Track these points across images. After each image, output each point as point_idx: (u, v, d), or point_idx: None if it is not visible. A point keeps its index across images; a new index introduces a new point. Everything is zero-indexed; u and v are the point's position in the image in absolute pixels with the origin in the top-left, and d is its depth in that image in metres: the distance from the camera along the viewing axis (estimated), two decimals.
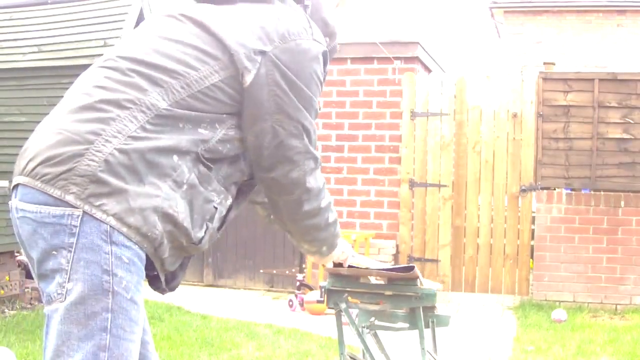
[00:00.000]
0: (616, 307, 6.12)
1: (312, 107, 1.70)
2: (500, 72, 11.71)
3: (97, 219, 1.46)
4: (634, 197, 6.20)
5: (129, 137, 1.50)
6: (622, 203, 6.18)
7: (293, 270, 6.58)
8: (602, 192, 6.29)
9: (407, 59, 6.82)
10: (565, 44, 14.72)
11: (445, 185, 6.74)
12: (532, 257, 6.51)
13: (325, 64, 1.75)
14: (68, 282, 1.47)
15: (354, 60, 6.89)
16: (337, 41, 1.92)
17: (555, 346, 4.77)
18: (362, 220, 6.87)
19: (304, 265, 6.32)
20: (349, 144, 6.92)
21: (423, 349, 2.14)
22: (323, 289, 2.22)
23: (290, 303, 6.01)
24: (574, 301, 6.19)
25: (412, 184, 6.76)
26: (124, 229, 1.48)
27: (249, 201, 2.07)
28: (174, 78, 1.57)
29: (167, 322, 5.14)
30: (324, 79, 1.77)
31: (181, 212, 1.55)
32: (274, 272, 6.86)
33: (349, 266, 2.12)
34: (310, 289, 6.09)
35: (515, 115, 6.58)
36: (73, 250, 1.47)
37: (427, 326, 2.17)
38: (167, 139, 1.54)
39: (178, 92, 1.57)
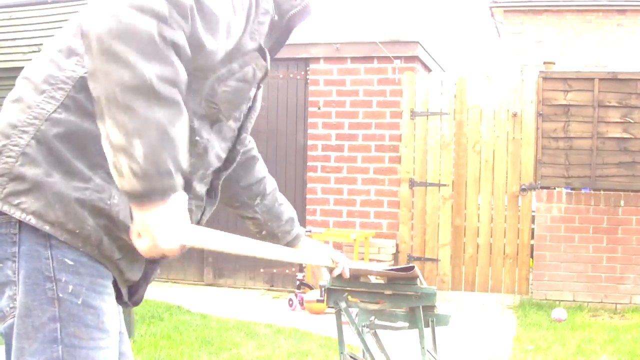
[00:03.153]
0: (616, 307, 6.12)
1: None
2: (500, 72, 11.71)
3: (25, 221, 1.34)
4: (634, 196, 6.20)
5: (46, 120, 1.36)
6: (622, 202, 6.18)
7: (293, 269, 6.58)
8: (602, 192, 6.29)
9: (407, 59, 6.82)
10: (565, 43, 14.73)
11: (445, 185, 6.74)
12: (532, 256, 6.51)
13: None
14: (18, 294, 1.36)
15: (354, 59, 6.89)
16: (307, 1, 1.65)
17: (555, 345, 4.77)
18: (362, 220, 6.87)
19: (303, 265, 6.31)
20: (349, 144, 6.92)
21: (423, 348, 2.14)
22: (323, 288, 2.22)
23: (290, 302, 6.01)
24: (573, 300, 6.20)
25: (412, 184, 6.76)
26: (47, 227, 1.34)
27: (240, 216, 1.99)
28: None
29: (167, 322, 5.15)
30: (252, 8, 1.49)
31: (116, 204, 1.38)
32: (274, 271, 6.86)
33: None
34: (310, 288, 6.10)
35: (515, 115, 6.58)
36: (17, 259, 1.36)
37: (427, 325, 2.17)
38: (93, 122, 1.32)
39: None
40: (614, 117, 6.29)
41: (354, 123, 6.91)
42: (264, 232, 1.98)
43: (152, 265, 1.57)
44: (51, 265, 1.36)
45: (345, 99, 6.92)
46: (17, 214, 1.34)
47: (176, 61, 1.23)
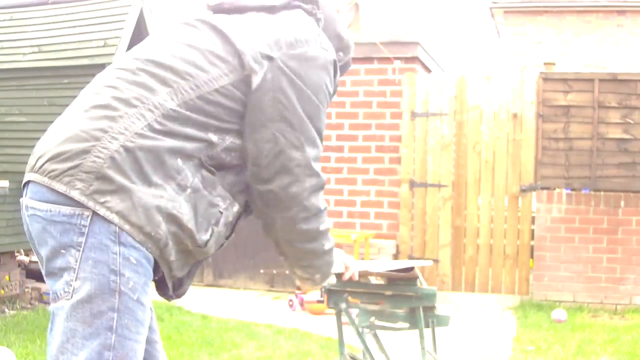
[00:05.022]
0: (616, 307, 6.12)
1: (319, 118, 1.65)
2: (501, 73, 11.70)
3: (103, 218, 1.47)
4: (634, 197, 6.20)
5: (135, 134, 1.50)
6: (622, 203, 6.18)
7: None
8: (602, 192, 6.29)
9: (407, 59, 6.82)
10: (565, 44, 14.73)
11: (445, 186, 6.74)
12: (532, 257, 6.51)
13: (335, 75, 1.72)
14: (75, 280, 1.48)
15: (354, 60, 6.78)
16: (350, 56, 1.87)
17: (555, 346, 4.77)
18: (362, 220, 6.87)
19: None
20: (349, 144, 6.92)
21: (423, 348, 2.14)
22: (323, 289, 2.22)
23: (291, 303, 6.01)
24: (574, 301, 6.20)
25: (412, 184, 6.76)
26: (127, 227, 1.48)
27: (255, 217, 2.07)
28: (183, 79, 1.57)
29: (167, 322, 5.15)
30: (334, 91, 1.74)
31: (185, 213, 1.54)
32: (274, 272, 6.86)
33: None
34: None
35: (515, 116, 6.58)
36: (82, 249, 1.47)
37: (427, 326, 2.17)
38: (172, 141, 1.53)
39: (187, 92, 1.56)
40: (614, 118, 6.29)
41: (354, 124, 6.91)
42: (267, 235, 2.02)
43: (197, 263, 1.72)
44: (117, 260, 1.48)
45: (345, 99, 6.92)
46: (102, 212, 1.47)
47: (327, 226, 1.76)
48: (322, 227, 1.71)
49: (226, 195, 1.63)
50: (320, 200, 1.69)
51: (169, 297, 1.73)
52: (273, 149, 1.60)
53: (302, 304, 5.93)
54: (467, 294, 6.67)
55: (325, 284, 1.97)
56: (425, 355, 2.15)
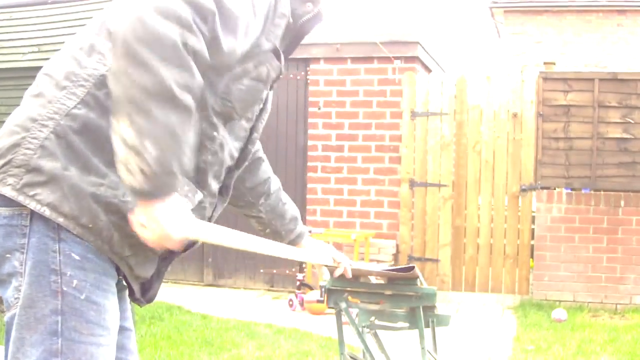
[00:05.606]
0: (616, 307, 6.12)
1: None
2: (501, 72, 11.71)
3: (39, 213, 1.36)
4: (634, 196, 6.19)
5: (66, 115, 1.39)
6: (622, 203, 6.18)
7: (293, 269, 6.58)
8: (602, 192, 6.28)
9: (407, 59, 6.82)
10: (565, 43, 14.73)
11: (445, 185, 6.74)
12: (532, 256, 6.51)
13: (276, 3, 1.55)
14: (23, 285, 1.38)
15: (354, 60, 6.89)
16: (320, 6, 1.70)
17: (556, 346, 4.77)
18: (362, 220, 6.87)
19: (304, 265, 6.31)
20: (349, 144, 6.92)
21: (423, 348, 2.14)
22: (323, 289, 2.22)
23: (291, 303, 6.01)
24: (574, 301, 6.19)
25: (412, 184, 6.76)
26: (61, 219, 1.37)
27: (244, 215, 2.02)
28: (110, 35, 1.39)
29: (167, 322, 5.14)
30: (274, 17, 1.56)
31: (129, 201, 1.38)
32: (274, 271, 6.86)
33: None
34: (311, 288, 6.09)
35: (515, 115, 6.58)
36: (25, 251, 1.38)
37: (427, 326, 2.17)
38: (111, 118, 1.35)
39: None
40: (614, 118, 6.29)
41: (354, 123, 6.91)
42: (267, 231, 2.01)
43: (164, 262, 1.60)
44: (58, 258, 1.38)
45: (345, 99, 6.92)
46: (32, 205, 1.37)
47: (194, 67, 1.30)
48: (168, 82, 1.25)
49: (185, 182, 1.44)
50: (167, 25, 1.27)
51: (137, 302, 1.61)
52: None
53: (302, 303, 5.93)
54: (467, 294, 6.67)
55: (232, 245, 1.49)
56: (425, 355, 2.15)
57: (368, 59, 6.86)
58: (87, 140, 1.39)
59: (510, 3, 15.17)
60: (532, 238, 6.51)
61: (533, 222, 6.54)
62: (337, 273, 2.11)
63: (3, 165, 1.39)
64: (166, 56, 1.25)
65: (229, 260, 7.02)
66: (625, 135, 6.27)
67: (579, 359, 4.53)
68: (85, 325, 1.40)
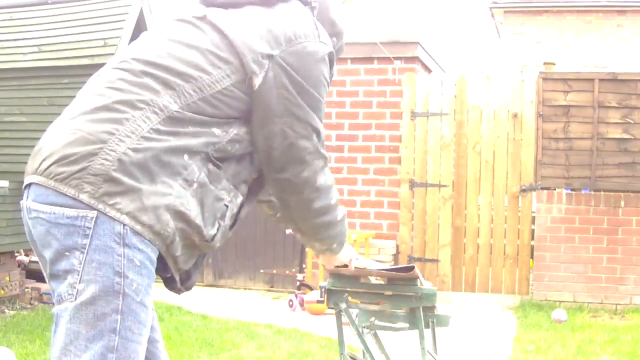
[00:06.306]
0: (616, 307, 6.12)
1: (320, 109, 1.72)
2: (501, 72, 11.71)
3: (111, 219, 1.48)
4: (634, 197, 6.20)
5: (141, 137, 1.52)
6: (622, 203, 6.18)
7: (293, 270, 6.58)
8: (602, 192, 6.29)
9: (407, 59, 6.82)
10: (565, 44, 14.73)
11: (445, 185, 6.74)
12: (532, 257, 6.51)
13: (332, 65, 1.78)
14: (79, 282, 1.47)
15: (354, 60, 6.89)
16: (343, 41, 1.95)
17: (556, 346, 4.77)
18: (362, 220, 6.87)
19: (304, 265, 6.32)
20: (349, 144, 6.92)
21: (423, 349, 2.14)
22: (323, 289, 2.22)
23: (290, 303, 6.01)
24: (574, 301, 6.19)
25: (412, 184, 6.76)
26: (138, 227, 1.49)
27: (256, 200, 2.09)
28: (186, 81, 1.58)
29: (167, 322, 5.14)
30: (331, 79, 1.81)
31: (192, 209, 1.56)
32: (274, 272, 6.86)
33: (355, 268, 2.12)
34: (311, 289, 6.09)
35: (515, 115, 6.58)
36: (86, 251, 1.48)
37: (427, 326, 2.17)
38: (177, 140, 1.55)
39: (190, 95, 1.58)
40: (614, 118, 6.29)
41: (354, 124, 6.91)
42: (278, 215, 2.07)
43: (202, 255, 1.74)
44: (122, 262, 1.49)
45: (345, 99, 6.92)
46: (112, 213, 1.48)
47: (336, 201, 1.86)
48: (333, 201, 1.80)
49: (230, 188, 1.66)
50: (328, 177, 1.78)
51: (177, 291, 1.74)
52: (283, 142, 1.67)
53: (302, 304, 5.92)
54: (467, 294, 6.67)
55: (328, 281, 2.10)
56: (425, 355, 2.14)
57: (368, 59, 6.86)
58: (156, 157, 1.53)
59: (510, 3, 15.17)
60: (532, 238, 6.51)
61: (533, 222, 6.54)
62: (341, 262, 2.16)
63: (78, 172, 1.48)
64: (327, 212, 1.83)
65: (229, 261, 7.03)
66: (625, 136, 6.27)
67: (579, 359, 4.53)
68: (137, 326, 1.52)
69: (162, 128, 1.54)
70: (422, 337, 2.14)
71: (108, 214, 1.47)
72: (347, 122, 6.91)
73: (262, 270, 6.93)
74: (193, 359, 4.28)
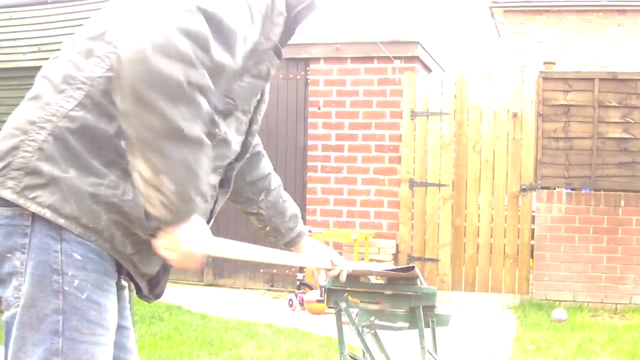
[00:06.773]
0: (616, 307, 6.12)
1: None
2: (501, 72, 11.71)
3: (42, 215, 1.37)
4: (634, 196, 6.19)
5: (64, 117, 1.40)
6: (622, 203, 6.18)
7: (293, 269, 6.58)
8: (602, 192, 6.28)
9: (407, 59, 6.82)
10: (566, 43, 14.73)
11: (445, 185, 6.74)
12: (532, 256, 6.51)
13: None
14: (24, 284, 1.39)
15: (354, 59, 6.89)
16: None
17: (556, 345, 4.77)
18: (362, 220, 6.87)
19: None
20: (349, 144, 6.92)
21: (423, 348, 2.14)
22: (323, 289, 2.22)
23: (290, 302, 6.01)
24: (574, 301, 6.19)
25: (412, 184, 6.76)
26: (61, 220, 1.38)
27: (244, 212, 2.02)
28: (109, 43, 1.44)
29: (167, 322, 5.14)
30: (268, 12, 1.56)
31: (130, 200, 1.42)
32: (274, 271, 6.86)
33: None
34: (311, 288, 6.10)
35: (515, 115, 6.58)
36: (27, 251, 1.39)
37: (427, 326, 2.17)
38: (109, 121, 1.41)
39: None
40: (614, 117, 6.29)
41: (354, 123, 6.91)
42: (267, 228, 2.02)
43: None
44: (59, 258, 1.39)
45: (345, 99, 6.92)
46: (33, 207, 1.38)
47: (200, 99, 1.34)
48: (186, 84, 1.31)
49: None
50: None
51: (146, 299, 1.63)
52: None
53: (302, 303, 5.93)
54: (467, 294, 6.67)
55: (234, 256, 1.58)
56: (425, 355, 2.15)
57: (368, 59, 6.86)
58: (85, 141, 1.40)
59: (510, 3, 15.16)
60: (532, 238, 6.51)
61: (533, 222, 6.54)
62: (330, 274, 2.10)
63: (2, 168, 1.40)
64: (172, 96, 1.29)
65: (229, 260, 7.01)
66: (625, 135, 6.27)
67: (579, 358, 4.53)
68: (86, 325, 1.41)
69: (88, 103, 1.41)
70: (422, 336, 2.14)
71: (29, 208, 1.37)
72: (347, 122, 6.91)
73: (262, 270, 6.93)
74: (193, 358, 4.28)
